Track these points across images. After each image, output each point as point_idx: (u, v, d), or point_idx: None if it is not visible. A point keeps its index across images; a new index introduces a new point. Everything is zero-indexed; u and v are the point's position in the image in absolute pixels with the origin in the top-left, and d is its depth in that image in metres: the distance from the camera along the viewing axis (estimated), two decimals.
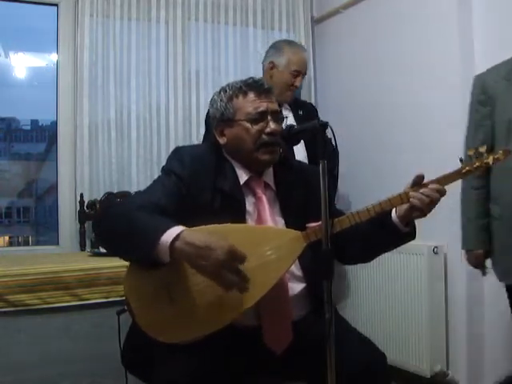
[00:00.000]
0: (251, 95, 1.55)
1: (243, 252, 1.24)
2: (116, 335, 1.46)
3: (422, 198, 1.40)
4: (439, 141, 2.61)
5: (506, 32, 2.38)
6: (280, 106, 2.49)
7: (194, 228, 1.32)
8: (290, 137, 1.44)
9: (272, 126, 1.52)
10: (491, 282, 2.46)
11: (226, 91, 1.58)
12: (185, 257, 1.26)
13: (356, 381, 1.38)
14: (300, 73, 2.56)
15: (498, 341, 2.43)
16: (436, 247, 2.59)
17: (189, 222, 1.34)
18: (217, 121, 1.60)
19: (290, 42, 2.69)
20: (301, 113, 2.58)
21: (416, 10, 2.78)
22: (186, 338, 1.34)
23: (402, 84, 2.75)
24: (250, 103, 1.54)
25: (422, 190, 1.41)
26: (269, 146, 1.53)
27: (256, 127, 1.52)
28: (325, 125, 1.34)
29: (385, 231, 1.50)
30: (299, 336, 1.48)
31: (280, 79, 2.59)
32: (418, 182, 1.44)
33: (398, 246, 1.55)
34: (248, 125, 1.53)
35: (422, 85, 2.75)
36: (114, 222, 1.39)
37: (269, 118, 1.53)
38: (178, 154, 1.57)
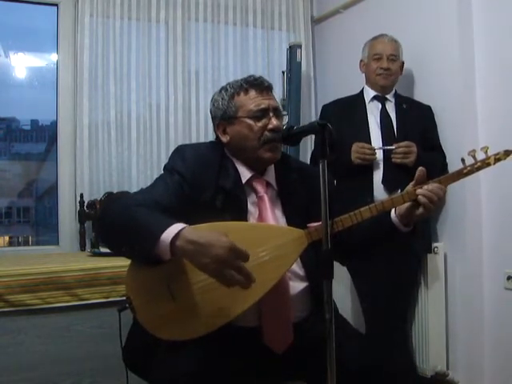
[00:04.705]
0: (252, 92, 1.56)
1: (245, 250, 1.24)
2: (116, 335, 1.46)
3: (430, 196, 1.41)
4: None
5: (506, 32, 2.38)
6: (385, 98, 2.61)
7: (195, 226, 1.32)
8: (290, 137, 1.44)
9: (274, 122, 1.53)
10: (491, 282, 2.46)
11: (227, 90, 1.59)
12: (186, 255, 1.26)
13: (356, 381, 1.38)
14: (381, 55, 2.58)
15: (498, 341, 2.43)
16: (436, 247, 2.60)
17: (190, 220, 1.34)
18: (219, 119, 1.60)
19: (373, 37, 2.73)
20: (404, 106, 2.60)
21: (416, 10, 2.78)
22: (186, 335, 1.35)
23: (401, 83, 2.75)
24: (252, 100, 1.55)
25: (428, 188, 1.42)
26: (272, 142, 1.53)
27: (259, 124, 1.53)
28: (324, 125, 1.34)
29: (384, 231, 1.50)
30: (300, 336, 1.48)
31: (368, 70, 2.65)
32: (421, 180, 1.44)
33: (397, 245, 1.55)
34: (251, 122, 1.53)
35: (422, 85, 2.76)
36: (114, 219, 1.38)
37: (271, 114, 1.54)
38: (180, 152, 1.57)
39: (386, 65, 2.57)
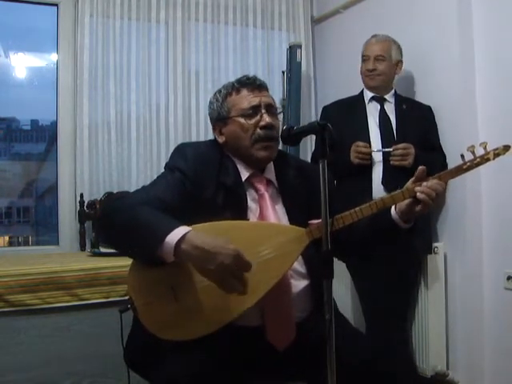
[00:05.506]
0: (244, 92, 1.57)
1: (248, 260, 1.25)
2: (116, 335, 1.46)
3: (428, 192, 1.41)
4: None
5: (506, 32, 2.38)
6: (383, 98, 2.61)
7: (197, 226, 1.33)
8: (290, 137, 1.44)
9: (267, 119, 1.53)
10: (491, 282, 2.46)
11: (220, 91, 1.61)
12: (190, 259, 1.26)
13: (357, 380, 1.38)
14: (368, 56, 2.60)
15: (498, 341, 2.43)
16: (436, 247, 2.60)
17: (192, 218, 1.34)
18: (214, 121, 1.62)
19: None
20: (404, 107, 2.61)
21: (416, 10, 2.78)
22: (188, 335, 1.35)
23: (401, 83, 2.75)
24: (244, 99, 1.56)
25: (427, 185, 1.42)
26: (264, 141, 1.53)
27: (250, 122, 1.53)
28: (324, 125, 1.33)
29: (384, 227, 1.50)
30: (302, 335, 1.47)
31: (362, 72, 2.69)
32: (421, 177, 1.44)
33: (396, 242, 1.55)
34: (242, 120, 1.54)
35: (422, 85, 2.76)
36: (117, 217, 1.38)
37: (263, 111, 1.54)
38: (181, 150, 1.58)
39: (370, 66, 2.60)
